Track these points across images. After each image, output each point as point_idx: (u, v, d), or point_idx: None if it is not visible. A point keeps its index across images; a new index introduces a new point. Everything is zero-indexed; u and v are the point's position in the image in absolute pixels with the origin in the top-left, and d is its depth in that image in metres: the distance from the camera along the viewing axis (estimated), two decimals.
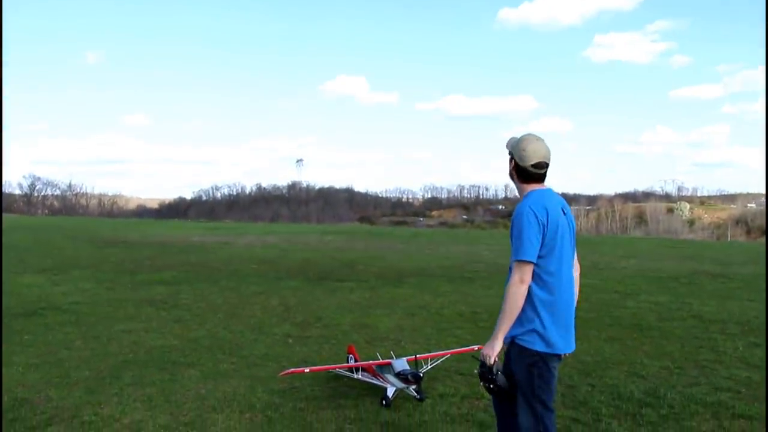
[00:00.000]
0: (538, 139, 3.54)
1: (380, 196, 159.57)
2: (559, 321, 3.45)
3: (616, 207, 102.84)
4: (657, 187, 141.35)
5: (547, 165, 3.54)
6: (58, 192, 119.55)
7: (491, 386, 3.52)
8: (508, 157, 3.61)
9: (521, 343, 3.42)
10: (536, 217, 3.37)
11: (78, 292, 11.84)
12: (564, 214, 3.52)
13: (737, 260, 20.60)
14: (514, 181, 3.64)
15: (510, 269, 3.40)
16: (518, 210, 3.44)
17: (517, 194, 3.67)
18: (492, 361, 3.43)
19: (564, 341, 3.48)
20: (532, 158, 3.49)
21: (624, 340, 8.19)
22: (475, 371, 3.64)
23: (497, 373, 3.48)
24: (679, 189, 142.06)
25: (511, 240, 3.41)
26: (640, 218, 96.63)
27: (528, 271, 3.35)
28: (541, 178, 3.56)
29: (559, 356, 3.49)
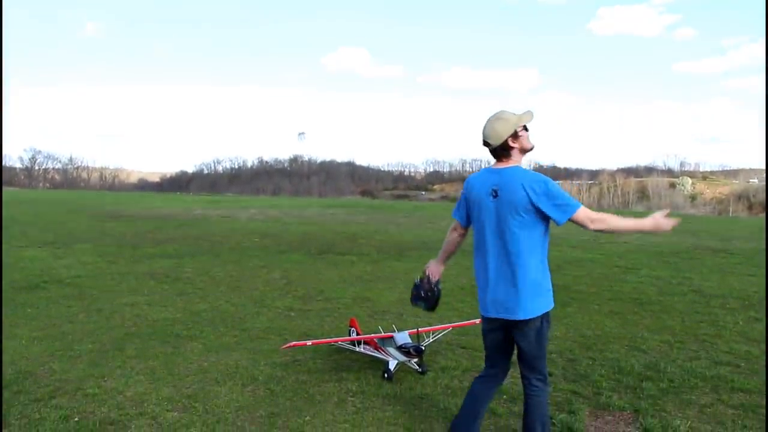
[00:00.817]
0: (489, 119, 3.65)
1: (382, 169, 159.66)
2: (481, 288, 3.76)
3: (618, 181, 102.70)
4: (659, 162, 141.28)
5: (486, 144, 3.65)
6: (59, 165, 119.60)
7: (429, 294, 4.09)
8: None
9: None
10: (464, 189, 3.87)
11: (80, 265, 11.87)
12: (495, 196, 3.59)
13: (738, 235, 20.61)
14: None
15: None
16: None
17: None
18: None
19: (482, 304, 3.78)
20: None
21: (625, 314, 8.21)
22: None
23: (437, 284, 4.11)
24: (682, 164, 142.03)
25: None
26: (642, 193, 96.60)
27: (452, 224, 4.06)
28: (495, 155, 3.68)
29: (486, 318, 3.80)
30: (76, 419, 4.49)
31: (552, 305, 3.73)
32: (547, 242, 3.68)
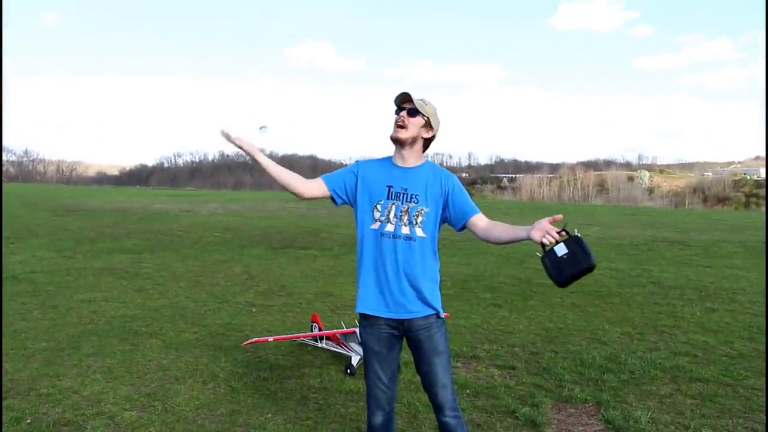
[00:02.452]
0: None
1: (344, 163, 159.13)
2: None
3: (578, 175, 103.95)
4: (618, 156, 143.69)
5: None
6: (14, 158, 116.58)
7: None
8: (423, 120, 3.23)
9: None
10: None
11: (35, 261, 11.58)
12: None
13: (694, 227, 21.04)
14: (411, 145, 3.22)
15: (474, 223, 3.30)
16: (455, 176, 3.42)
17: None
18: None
19: None
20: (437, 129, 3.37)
21: (586, 306, 8.30)
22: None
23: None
24: (640, 157, 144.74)
25: (467, 196, 3.35)
26: (602, 186, 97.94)
27: None
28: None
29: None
30: (29, 421, 4.34)
31: None
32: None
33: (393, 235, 3.18)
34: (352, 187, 3.29)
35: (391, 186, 3.22)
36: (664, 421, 4.51)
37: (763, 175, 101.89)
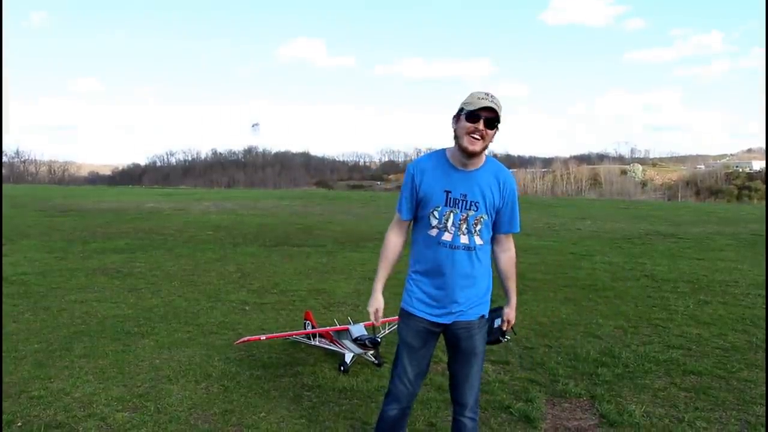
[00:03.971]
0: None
1: (337, 160, 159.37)
2: None
3: (571, 169, 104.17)
4: (611, 150, 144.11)
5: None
6: (5, 159, 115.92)
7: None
8: (497, 130, 3.01)
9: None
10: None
11: (27, 262, 11.49)
12: None
13: (687, 220, 21.09)
14: (484, 150, 3.05)
15: (499, 240, 3.25)
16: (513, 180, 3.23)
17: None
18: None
19: None
20: None
21: (579, 300, 8.30)
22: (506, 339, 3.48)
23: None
24: (632, 151, 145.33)
25: (514, 211, 3.21)
26: (595, 180, 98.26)
27: None
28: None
29: None
30: (19, 424, 4.30)
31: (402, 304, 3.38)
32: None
33: (451, 245, 3.07)
34: (418, 195, 3.14)
35: (450, 192, 3.06)
36: (659, 414, 4.51)
37: (756, 168, 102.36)
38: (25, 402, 4.68)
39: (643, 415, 4.46)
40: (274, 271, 10.71)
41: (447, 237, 3.07)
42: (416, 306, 3.20)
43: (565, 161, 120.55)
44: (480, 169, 3.09)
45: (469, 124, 2.94)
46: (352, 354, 5.40)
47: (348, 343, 5.45)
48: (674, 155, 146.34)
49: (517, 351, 6.05)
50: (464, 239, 3.08)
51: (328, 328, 5.88)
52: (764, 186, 79.75)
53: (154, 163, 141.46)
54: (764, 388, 5.01)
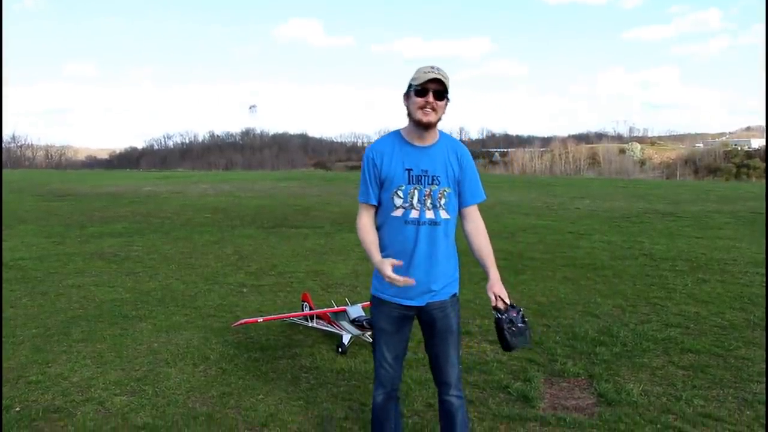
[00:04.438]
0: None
1: (335, 141, 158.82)
2: None
3: (569, 148, 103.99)
4: (609, 128, 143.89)
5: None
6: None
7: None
8: (448, 100, 3.05)
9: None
10: None
11: (24, 247, 11.47)
12: None
13: (685, 199, 21.06)
14: (435, 126, 3.07)
15: (466, 214, 3.20)
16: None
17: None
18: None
19: None
20: None
21: (578, 280, 8.30)
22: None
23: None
24: (631, 130, 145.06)
25: (475, 180, 3.21)
26: (593, 159, 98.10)
27: None
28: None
29: None
30: (18, 409, 4.30)
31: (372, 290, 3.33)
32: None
33: (418, 221, 3.05)
34: (381, 178, 3.12)
35: (411, 169, 3.06)
36: (656, 392, 4.51)
37: (754, 146, 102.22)
38: (23, 387, 4.69)
39: (641, 394, 4.46)
40: (272, 253, 10.70)
41: (414, 214, 3.06)
42: (387, 292, 3.17)
43: (564, 140, 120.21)
44: (436, 144, 3.11)
45: (419, 99, 2.96)
46: (349, 335, 5.40)
47: (346, 324, 5.44)
48: (673, 134, 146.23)
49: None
50: (430, 214, 3.07)
51: (325, 309, 5.88)
52: (763, 164, 79.67)
53: (152, 146, 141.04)
54: (762, 366, 5.01)
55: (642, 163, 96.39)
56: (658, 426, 3.99)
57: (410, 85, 3.02)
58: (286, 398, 4.48)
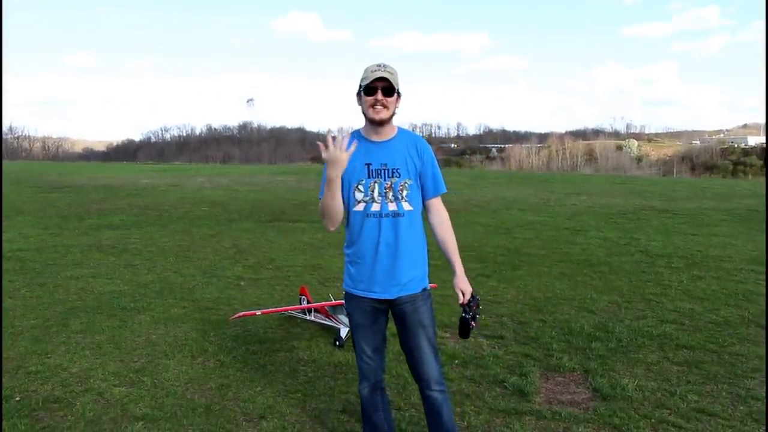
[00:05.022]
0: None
1: (334, 135, 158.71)
2: None
3: (566, 144, 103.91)
4: (606, 125, 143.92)
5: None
6: None
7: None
8: (398, 95, 3.12)
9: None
10: None
11: (22, 238, 11.49)
12: None
13: (682, 196, 21.11)
14: (389, 121, 3.14)
15: (430, 207, 3.26)
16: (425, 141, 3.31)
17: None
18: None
19: None
20: None
21: (574, 275, 8.34)
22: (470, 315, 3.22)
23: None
24: (628, 126, 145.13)
25: (437, 172, 3.24)
26: (590, 155, 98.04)
27: None
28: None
29: None
30: (17, 399, 4.33)
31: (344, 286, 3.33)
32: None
33: (380, 214, 3.11)
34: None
35: (370, 164, 3.13)
36: (651, 388, 4.56)
37: (751, 143, 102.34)
38: (22, 377, 4.72)
39: (635, 389, 4.50)
40: (270, 246, 10.73)
41: (375, 207, 3.11)
42: (358, 287, 3.21)
43: (561, 136, 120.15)
44: (395, 138, 3.18)
45: (368, 98, 3.05)
46: (347, 329, 5.42)
47: (343, 317, 5.47)
48: (670, 130, 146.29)
49: (511, 326, 6.09)
50: (392, 206, 3.12)
51: (323, 303, 5.91)
52: (759, 161, 79.83)
53: (149, 138, 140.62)
54: (755, 362, 5.06)
55: (639, 159, 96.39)
56: (653, 420, 4.04)
57: (360, 85, 3.09)
58: (284, 390, 4.52)
